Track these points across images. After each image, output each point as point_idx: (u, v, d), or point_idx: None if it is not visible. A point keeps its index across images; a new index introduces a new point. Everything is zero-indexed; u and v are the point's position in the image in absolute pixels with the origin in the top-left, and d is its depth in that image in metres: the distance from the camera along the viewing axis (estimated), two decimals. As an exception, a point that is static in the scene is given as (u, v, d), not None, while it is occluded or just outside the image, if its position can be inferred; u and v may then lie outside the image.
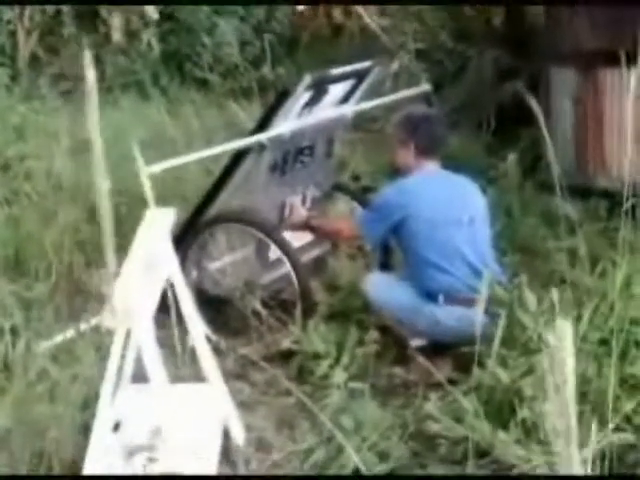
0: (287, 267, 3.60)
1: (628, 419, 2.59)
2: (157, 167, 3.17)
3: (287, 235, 3.75)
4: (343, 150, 5.05)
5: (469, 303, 3.10)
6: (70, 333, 3.19)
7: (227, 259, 3.89)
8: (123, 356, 2.51)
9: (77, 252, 4.06)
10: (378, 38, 7.13)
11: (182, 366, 2.97)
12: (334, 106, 3.96)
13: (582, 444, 2.37)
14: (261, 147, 3.62)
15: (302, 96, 3.64)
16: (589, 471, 2.35)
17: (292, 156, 3.86)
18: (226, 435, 2.76)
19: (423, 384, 3.19)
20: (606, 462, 2.40)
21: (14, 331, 3.03)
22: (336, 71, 3.85)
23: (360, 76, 3.97)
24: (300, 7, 8.28)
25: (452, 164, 3.58)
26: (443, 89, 6.19)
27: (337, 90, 3.89)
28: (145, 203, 2.93)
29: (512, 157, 4.63)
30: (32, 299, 3.48)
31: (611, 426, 2.44)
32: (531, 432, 2.54)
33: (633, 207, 3.10)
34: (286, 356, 3.41)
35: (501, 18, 6.96)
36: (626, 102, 3.06)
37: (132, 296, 2.31)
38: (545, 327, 2.81)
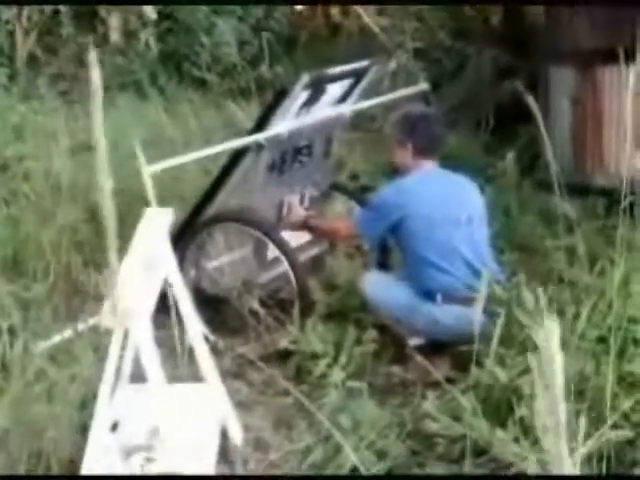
0: (285, 266, 3.60)
1: (626, 417, 2.59)
2: (155, 167, 3.17)
3: (285, 234, 3.75)
4: (341, 149, 5.05)
5: (467, 302, 3.10)
6: (68, 333, 3.19)
7: (225, 258, 3.89)
8: (121, 356, 2.51)
9: (75, 252, 4.06)
10: (376, 37, 7.12)
11: (180, 366, 2.97)
12: (332, 105, 3.96)
13: (580, 442, 2.38)
14: (259, 147, 3.62)
15: (300, 95, 3.64)
16: (586, 469, 2.36)
17: (290, 156, 3.86)
18: (224, 435, 2.76)
19: (421, 383, 3.19)
20: (604, 461, 2.40)
21: (12, 331, 3.03)
22: (334, 70, 3.85)
23: (358, 75, 3.97)
24: (298, 7, 8.27)
25: (450, 163, 3.58)
26: (441, 88, 6.20)
27: (335, 89, 3.89)
28: (143, 203, 2.92)
29: (510, 156, 4.63)
30: (30, 299, 3.48)
31: (609, 424, 2.43)
32: (529, 430, 2.54)
33: (631, 205, 3.10)
34: (284, 355, 3.41)
35: (499, 17, 6.96)
36: (624, 100, 3.07)
37: (130, 296, 2.31)
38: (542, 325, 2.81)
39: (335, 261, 4.15)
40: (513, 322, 2.93)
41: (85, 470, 2.39)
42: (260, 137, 3.60)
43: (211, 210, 3.79)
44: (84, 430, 2.51)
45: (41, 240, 4.01)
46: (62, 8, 7.52)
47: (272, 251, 3.71)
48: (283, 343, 3.43)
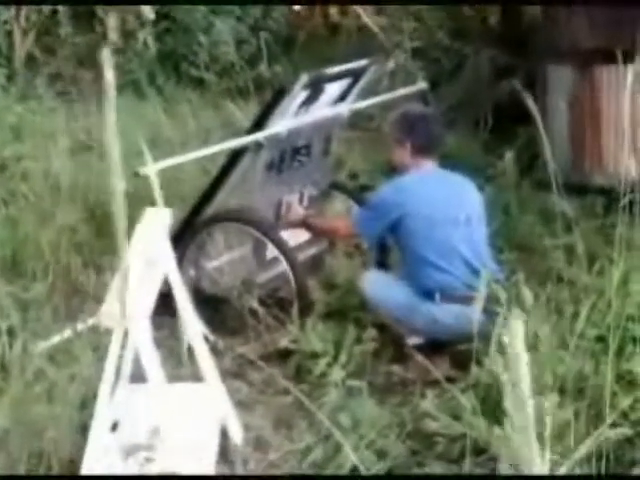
0: (284, 266, 3.61)
1: (625, 415, 2.59)
2: (154, 167, 3.16)
3: (284, 234, 3.76)
4: (340, 149, 5.05)
5: (466, 301, 3.11)
6: (67, 333, 3.19)
7: (224, 258, 3.89)
8: (121, 356, 2.51)
9: (74, 253, 4.05)
10: (375, 37, 7.12)
11: (180, 366, 2.97)
12: (331, 105, 3.97)
13: (579, 442, 2.39)
14: (258, 146, 3.62)
15: (299, 95, 3.64)
16: (585, 468, 2.36)
17: (289, 155, 3.87)
18: (224, 434, 2.77)
19: (421, 382, 3.19)
20: (603, 460, 2.40)
21: (11, 332, 3.03)
22: (333, 70, 3.85)
23: (357, 75, 3.97)
24: (297, 6, 8.27)
25: (449, 162, 3.59)
26: (440, 87, 6.20)
27: (334, 89, 3.89)
28: (142, 203, 2.92)
29: (509, 155, 4.63)
30: (29, 300, 3.48)
31: (608, 422, 2.44)
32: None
33: (630, 204, 3.10)
34: (284, 355, 3.41)
35: (498, 17, 6.96)
36: (623, 100, 3.07)
37: (130, 296, 2.31)
38: (541, 324, 2.82)
39: (334, 260, 4.15)
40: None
41: (85, 470, 2.40)
42: (259, 137, 3.60)
43: (210, 210, 3.79)
44: (84, 430, 2.51)
45: (40, 240, 4.01)
46: (60, 8, 7.51)
47: (271, 251, 3.71)
48: (283, 342, 3.43)
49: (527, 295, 2.94)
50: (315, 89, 3.73)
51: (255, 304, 3.59)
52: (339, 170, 5.07)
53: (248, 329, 3.58)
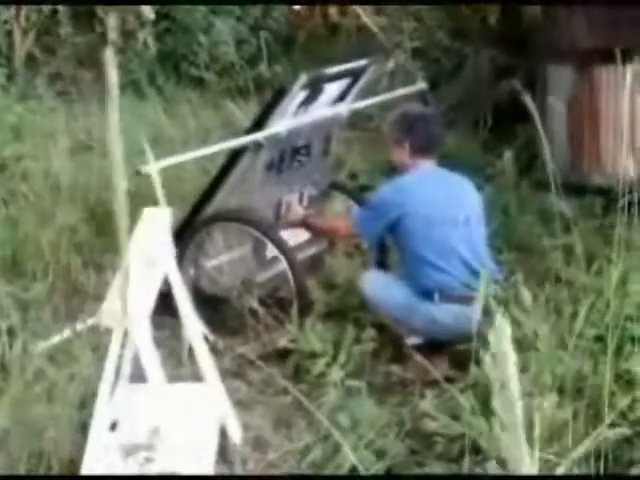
0: (284, 265, 3.61)
1: (624, 415, 2.60)
2: (155, 165, 3.17)
3: (284, 233, 3.76)
4: (340, 149, 5.05)
5: (465, 301, 3.11)
6: (67, 333, 3.19)
7: (224, 258, 3.89)
8: (120, 356, 2.52)
9: (74, 253, 4.06)
10: (374, 37, 7.12)
11: (179, 365, 2.97)
12: (330, 105, 3.97)
13: (578, 441, 2.39)
14: (257, 146, 3.63)
15: (298, 95, 3.65)
16: (583, 468, 2.36)
17: (289, 155, 3.87)
18: (223, 434, 2.77)
19: (420, 382, 3.19)
20: (602, 460, 2.41)
21: (11, 332, 3.03)
22: (332, 70, 3.85)
23: (356, 75, 3.98)
24: (297, 6, 8.27)
25: (448, 162, 3.59)
26: (439, 87, 6.20)
27: (333, 89, 3.90)
28: (142, 202, 2.92)
29: (508, 155, 4.63)
30: (29, 300, 3.48)
31: (607, 422, 2.44)
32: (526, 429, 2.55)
33: (629, 204, 3.11)
34: (283, 355, 3.41)
35: (497, 17, 6.96)
36: (622, 100, 3.07)
37: (129, 295, 2.31)
38: (540, 324, 2.82)
39: (334, 260, 4.16)
40: (511, 321, 2.93)
41: (85, 470, 2.40)
42: (258, 136, 3.60)
43: (210, 209, 3.79)
44: (84, 430, 2.52)
45: (40, 240, 4.02)
46: (60, 8, 7.52)
47: (271, 250, 3.71)
48: (282, 342, 3.43)
49: (526, 295, 2.94)
50: (314, 89, 3.73)
51: (254, 304, 3.59)
52: (339, 170, 5.08)
53: (247, 329, 3.58)
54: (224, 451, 2.75)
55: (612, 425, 2.49)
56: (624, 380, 2.71)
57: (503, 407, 1.17)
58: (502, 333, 1.17)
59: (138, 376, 2.53)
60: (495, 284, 3.15)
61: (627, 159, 3.50)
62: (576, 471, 2.36)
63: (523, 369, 2.71)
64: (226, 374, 3.22)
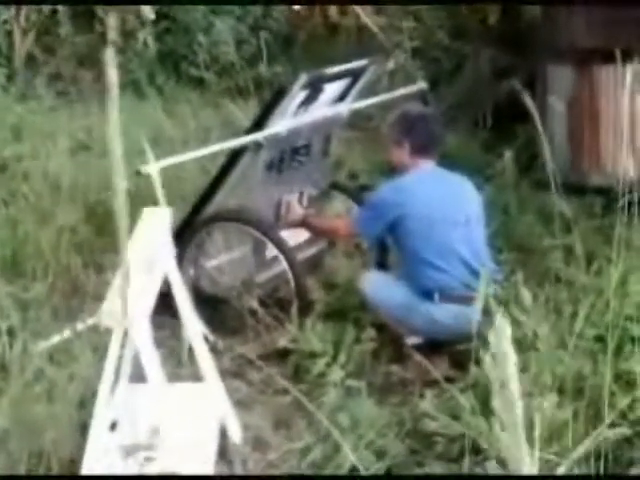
0: (284, 265, 3.61)
1: (624, 415, 2.60)
2: (156, 165, 3.17)
3: (284, 233, 3.76)
4: (340, 149, 5.05)
5: (465, 301, 3.12)
6: (67, 333, 3.19)
7: (224, 258, 3.89)
8: (120, 356, 2.52)
9: (74, 253, 4.06)
10: (374, 37, 7.12)
11: (179, 365, 2.97)
12: (330, 105, 3.97)
13: (578, 441, 2.39)
14: (257, 146, 3.63)
15: (298, 95, 3.65)
16: (583, 468, 2.36)
17: (288, 155, 3.87)
18: (223, 434, 2.77)
19: (420, 382, 3.20)
20: (602, 460, 2.41)
21: (11, 332, 3.03)
22: (332, 70, 3.85)
23: (356, 74, 3.98)
24: (296, 6, 8.26)
25: (448, 162, 3.59)
26: (439, 87, 6.20)
27: (333, 89, 3.90)
28: (141, 202, 2.93)
29: (508, 155, 4.63)
30: (29, 300, 3.48)
31: (607, 422, 2.44)
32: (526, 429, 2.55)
33: (628, 204, 3.11)
34: (283, 354, 3.41)
35: (497, 16, 6.95)
36: (622, 100, 3.07)
37: (129, 295, 2.31)
38: (540, 324, 2.82)
39: (334, 260, 4.16)
40: (511, 321, 2.93)
41: (85, 470, 2.40)
42: (258, 136, 3.60)
43: (210, 209, 3.79)
44: (84, 430, 2.52)
45: (40, 240, 4.01)
46: (60, 8, 7.52)
47: (271, 250, 3.71)
48: (282, 342, 3.43)
49: (526, 295, 2.94)
50: (314, 89, 3.73)
51: (254, 304, 3.60)
52: (338, 170, 5.08)
53: (247, 329, 3.58)
54: (224, 451, 2.75)
55: (612, 425, 2.49)
56: (624, 380, 2.71)
57: (503, 407, 1.16)
58: (502, 333, 1.17)
59: (138, 376, 2.53)
60: (495, 284, 3.15)
61: (627, 159, 3.50)
62: (576, 471, 2.36)
63: (523, 369, 2.71)
64: (226, 374, 3.22)
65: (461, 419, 2.70)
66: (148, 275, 2.50)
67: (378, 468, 2.65)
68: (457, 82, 6.51)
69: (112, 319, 2.41)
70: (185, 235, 3.72)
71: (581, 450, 2.35)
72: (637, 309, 2.92)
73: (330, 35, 7.96)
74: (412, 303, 3.35)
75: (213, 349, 3.14)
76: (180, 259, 3.39)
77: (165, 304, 2.66)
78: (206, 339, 2.97)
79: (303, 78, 3.56)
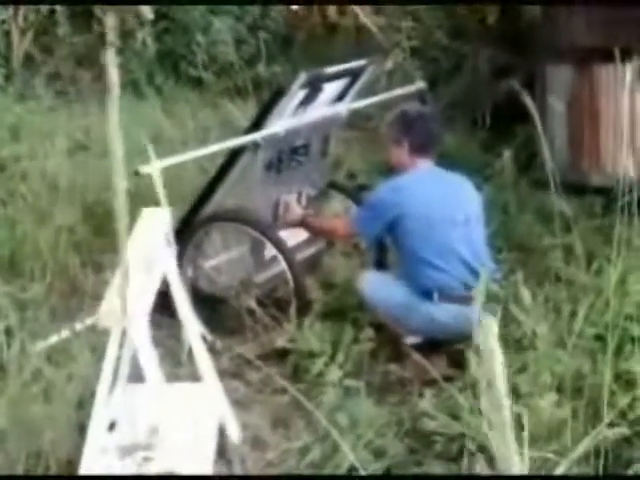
0: (282, 265, 3.61)
1: (623, 414, 2.59)
2: (156, 165, 3.16)
3: (282, 233, 3.76)
4: (338, 148, 5.04)
5: (464, 301, 3.11)
6: (65, 333, 3.18)
7: (222, 257, 3.89)
8: (119, 356, 2.51)
9: (72, 253, 4.05)
10: (373, 36, 7.12)
11: (178, 365, 2.97)
12: (329, 104, 3.97)
13: (577, 441, 2.39)
14: (256, 146, 3.62)
15: (297, 95, 3.64)
16: (583, 467, 2.36)
17: (287, 155, 3.87)
18: (222, 434, 2.77)
19: (419, 381, 3.19)
20: (601, 459, 2.41)
21: (9, 332, 3.03)
22: (331, 69, 3.85)
23: (355, 74, 3.97)
24: (295, 6, 8.26)
25: (447, 162, 3.59)
26: (438, 87, 6.20)
27: (332, 88, 3.89)
28: (141, 202, 2.92)
29: (507, 154, 4.63)
30: (27, 300, 3.47)
31: (606, 421, 2.44)
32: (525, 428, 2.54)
33: (628, 204, 3.10)
34: (281, 354, 3.41)
35: (496, 16, 6.95)
36: (621, 99, 3.07)
37: (128, 295, 2.31)
38: (539, 323, 2.82)
39: (332, 260, 4.16)
40: (510, 320, 2.93)
41: (83, 470, 2.40)
42: (257, 136, 3.60)
43: (208, 209, 3.79)
44: (82, 430, 2.52)
45: (38, 240, 4.01)
46: (58, 8, 7.51)
47: (269, 250, 3.71)
48: (280, 342, 3.43)
49: (525, 294, 2.94)
50: (313, 89, 3.73)
51: (253, 303, 3.59)
52: (337, 170, 5.08)
53: (246, 329, 3.58)
54: (223, 450, 2.75)
55: (611, 424, 2.49)
56: (623, 379, 2.70)
57: (491, 406, 1.15)
58: (489, 331, 1.16)
59: (136, 376, 2.53)
60: (494, 283, 3.15)
61: (627, 159, 3.50)
62: (575, 470, 2.36)
63: (522, 368, 2.71)
64: (224, 374, 3.21)
65: (460, 418, 2.70)
66: (147, 275, 2.49)
67: (377, 468, 2.65)
68: (456, 82, 6.51)
69: (111, 319, 2.40)
70: (184, 235, 3.71)
71: (580, 449, 2.35)
72: (637, 308, 2.92)
73: (329, 35, 7.96)
74: (411, 303, 3.34)
75: (211, 349, 3.14)
76: (179, 259, 3.38)
77: (164, 304, 2.66)
78: (204, 339, 2.97)
79: (302, 78, 3.56)
